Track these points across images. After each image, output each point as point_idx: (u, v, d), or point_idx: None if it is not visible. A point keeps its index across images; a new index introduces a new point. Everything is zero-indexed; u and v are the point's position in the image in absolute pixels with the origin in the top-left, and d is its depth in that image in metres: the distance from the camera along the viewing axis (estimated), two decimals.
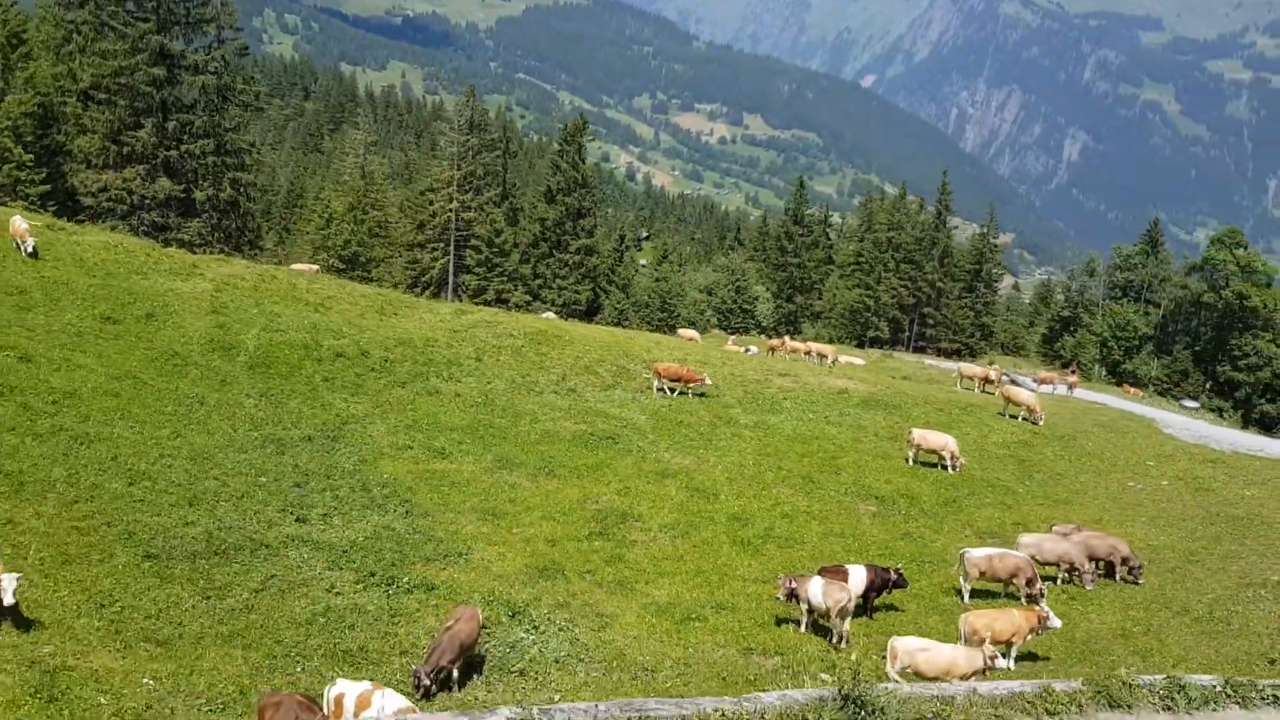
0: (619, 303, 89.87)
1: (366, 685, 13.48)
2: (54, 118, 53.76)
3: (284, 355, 33.21)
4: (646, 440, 32.33)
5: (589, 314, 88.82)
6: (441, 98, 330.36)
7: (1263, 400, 74.26)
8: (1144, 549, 26.07)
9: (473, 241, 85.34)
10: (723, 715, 11.38)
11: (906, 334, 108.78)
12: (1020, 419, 40.21)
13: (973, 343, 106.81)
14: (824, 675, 15.81)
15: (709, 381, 38.36)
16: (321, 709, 13.08)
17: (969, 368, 53.08)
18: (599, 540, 23.97)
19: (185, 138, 54.74)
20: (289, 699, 12.81)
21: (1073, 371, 61.87)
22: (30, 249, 33.76)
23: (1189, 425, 44.77)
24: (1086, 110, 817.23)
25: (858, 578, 20.57)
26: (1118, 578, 23.69)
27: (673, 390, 37.96)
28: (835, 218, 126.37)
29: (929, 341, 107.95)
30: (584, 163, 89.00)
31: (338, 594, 19.46)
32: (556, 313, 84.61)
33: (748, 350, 66.78)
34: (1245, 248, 77.52)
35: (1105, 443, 38.81)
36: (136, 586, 17.94)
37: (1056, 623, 19.10)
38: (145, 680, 14.91)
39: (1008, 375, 54.84)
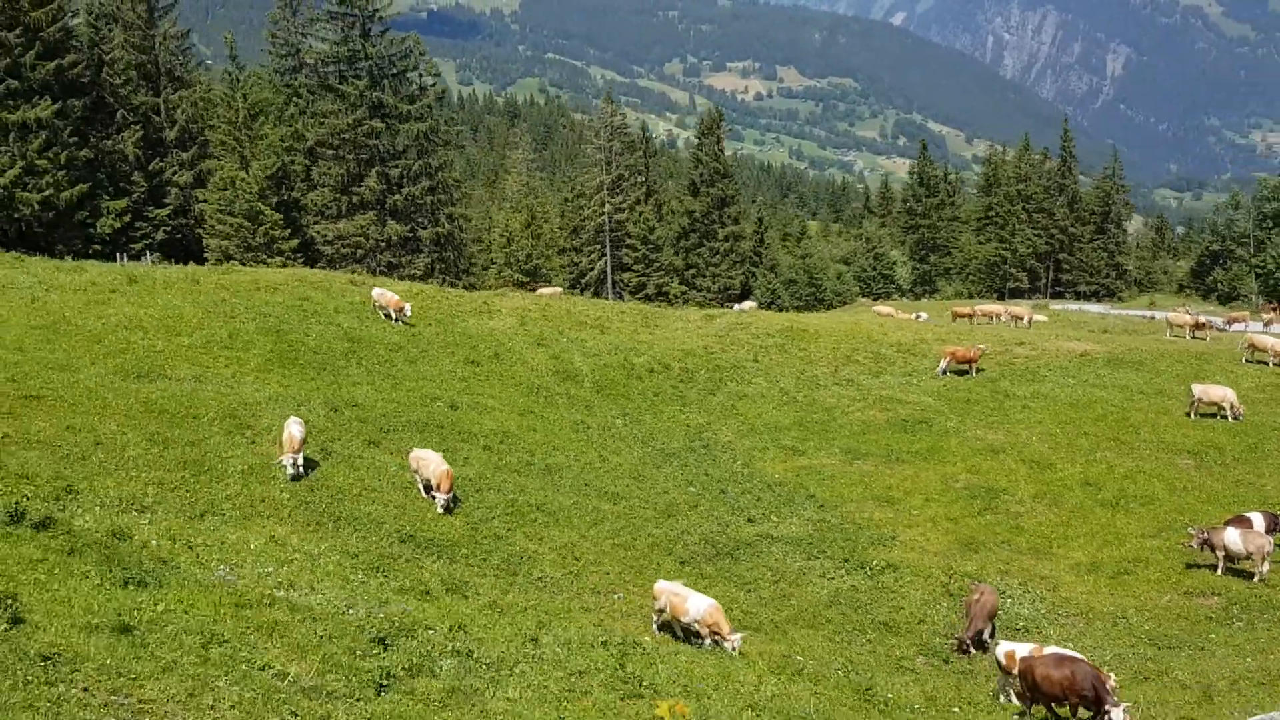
0: (770, 283, 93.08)
1: (1034, 646, 17.09)
2: (285, 175, 58.53)
3: (611, 376, 37.30)
4: (951, 421, 35.68)
5: (742, 296, 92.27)
6: (475, 88, 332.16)
7: None
8: None
9: (628, 241, 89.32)
10: None
11: (1044, 281, 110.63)
12: (1270, 365, 42.39)
13: (1109, 283, 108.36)
14: None
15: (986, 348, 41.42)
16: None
17: (1177, 316, 55.33)
18: (989, 515, 27.52)
19: (404, 182, 59.22)
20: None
21: (1276, 308, 63.67)
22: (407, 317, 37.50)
23: None
24: (1126, 23, 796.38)
25: (1259, 523, 23.80)
26: None
27: (961, 372, 40.89)
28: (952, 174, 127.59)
29: (1066, 286, 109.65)
30: (723, 154, 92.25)
31: (831, 579, 23.30)
32: (713, 298, 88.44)
33: (918, 317, 69.64)
34: None
35: None
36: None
37: None
38: (797, 657, 18.76)
39: (1214, 320, 56.93)
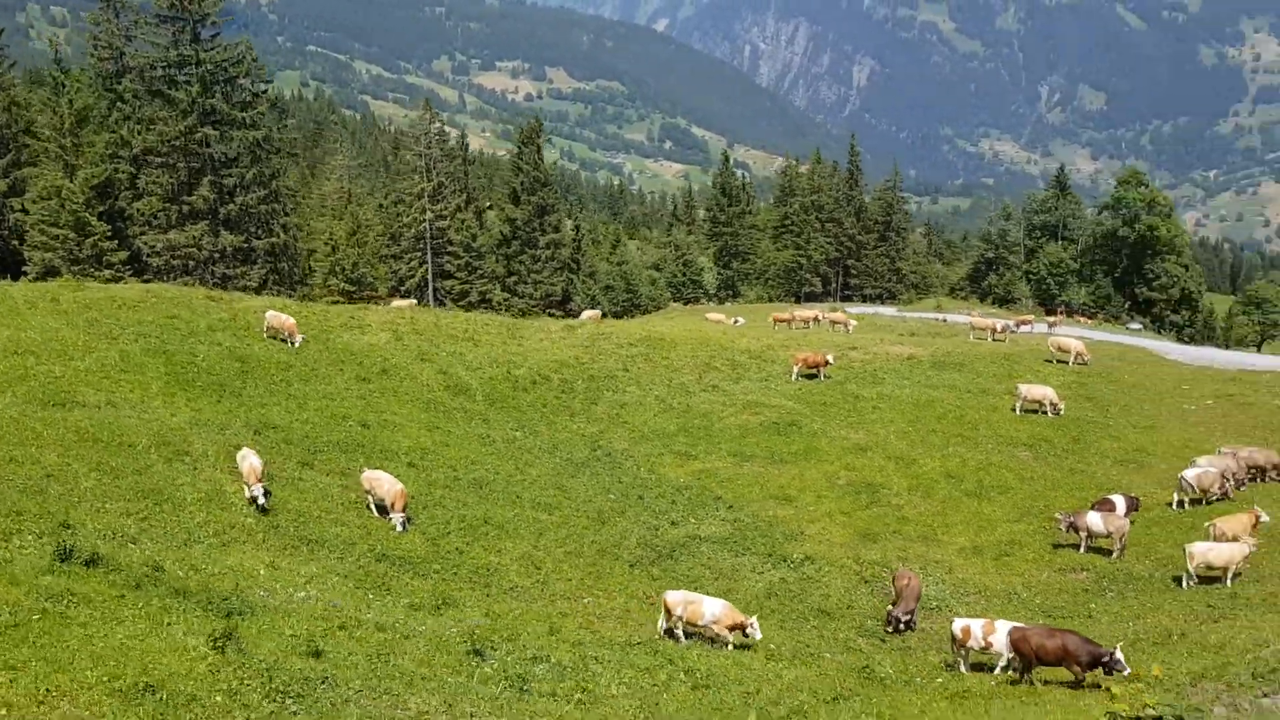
0: (589, 289, 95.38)
1: (985, 620, 19.70)
2: (110, 184, 55.82)
3: (500, 389, 38.43)
4: (817, 423, 38.81)
5: (563, 303, 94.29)
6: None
7: (1171, 313, 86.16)
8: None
9: (449, 248, 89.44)
10: None
11: (834, 285, 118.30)
12: (1071, 364, 47.98)
13: (890, 286, 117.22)
14: None
15: (833, 361, 44.96)
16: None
17: (980, 320, 61.31)
18: (875, 508, 30.60)
19: (238, 191, 57.67)
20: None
21: (1060, 313, 71.28)
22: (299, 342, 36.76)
23: (1183, 351, 54.15)
24: (870, 36, 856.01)
25: (1121, 505, 27.83)
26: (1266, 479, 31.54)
27: (810, 376, 44.13)
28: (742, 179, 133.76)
29: (854, 290, 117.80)
30: (543, 162, 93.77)
31: (761, 573, 25.60)
32: (535, 305, 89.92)
33: (736, 321, 73.82)
34: (1147, 185, 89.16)
35: (1135, 374, 47.35)
36: (649, 589, 23.68)
37: (1267, 518, 26.79)
38: (770, 645, 20.80)
39: (1008, 324, 63.28)
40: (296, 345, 36.27)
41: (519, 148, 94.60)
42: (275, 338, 36.56)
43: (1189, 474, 29.51)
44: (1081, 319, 76.08)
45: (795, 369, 44.40)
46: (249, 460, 22.78)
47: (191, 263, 56.55)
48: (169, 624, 12.79)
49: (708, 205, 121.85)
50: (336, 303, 62.59)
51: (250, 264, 58.80)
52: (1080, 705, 15.11)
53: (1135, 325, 75.22)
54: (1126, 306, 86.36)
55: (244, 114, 57.77)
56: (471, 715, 10.72)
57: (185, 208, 56.59)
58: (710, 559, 26.10)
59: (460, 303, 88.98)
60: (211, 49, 56.63)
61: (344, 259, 73.83)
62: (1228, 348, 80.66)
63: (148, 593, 14.33)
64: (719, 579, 24.97)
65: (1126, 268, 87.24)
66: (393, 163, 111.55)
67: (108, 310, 36.36)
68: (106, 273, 51.71)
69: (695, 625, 19.87)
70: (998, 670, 18.90)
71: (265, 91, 60.68)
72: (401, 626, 14.97)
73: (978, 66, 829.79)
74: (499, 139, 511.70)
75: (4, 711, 9.08)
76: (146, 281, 54.94)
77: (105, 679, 10.06)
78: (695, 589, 24.09)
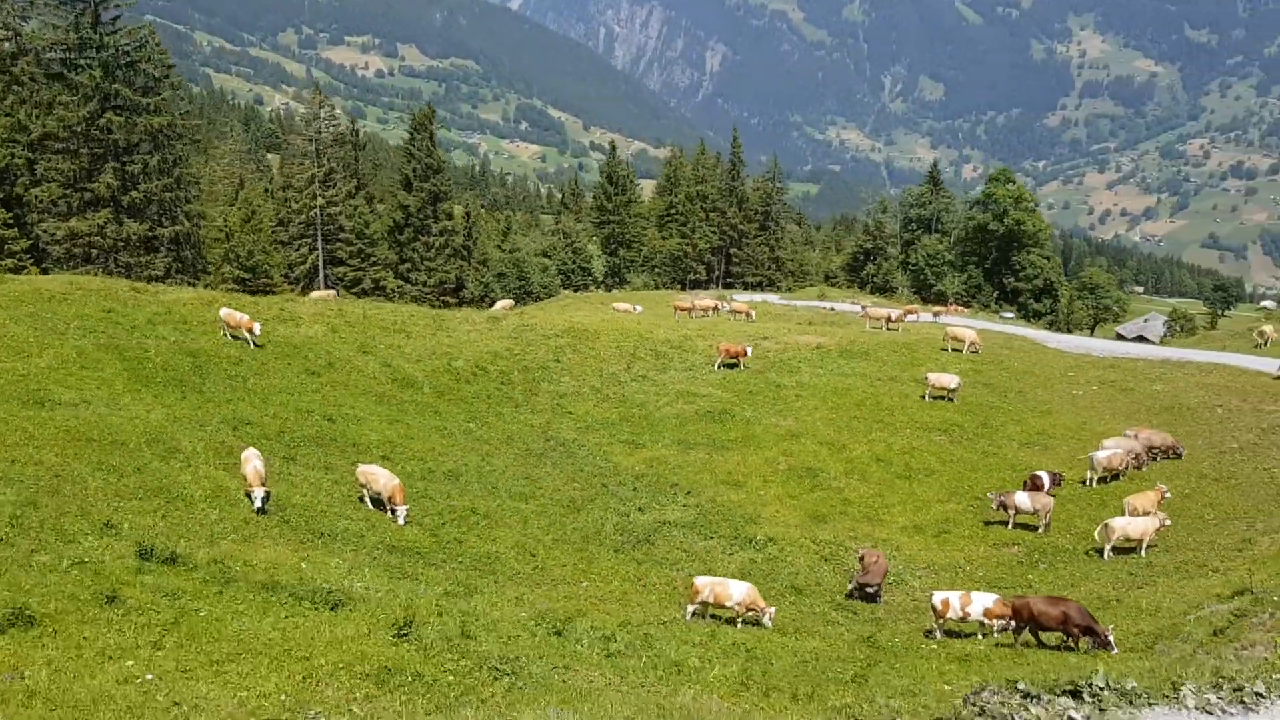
0: (483, 277, 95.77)
1: (961, 593, 21.95)
2: (6, 170, 53.76)
3: (444, 381, 39.29)
4: (748, 411, 40.97)
5: (456, 290, 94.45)
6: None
7: (1034, 302, 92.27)
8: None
9: (342, 235, 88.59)
10: None
11: (717, 273, 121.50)
12: (965, 352, 51.48)
13: (770, 274, 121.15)
14: None
15: (750, 353, 47.17)
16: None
17: (874, 310, 64.66)
18: (819, 491, 32.91)
19: (142, 178, 56.28)
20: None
21: (958, 305, 75.42)
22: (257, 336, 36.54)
23: (1061, 340, 58.48)
24: (723, 22, 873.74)
25: (1047, 481, 30.79)
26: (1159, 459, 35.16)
27: (731, 366, 46.24)
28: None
29: (735, 278, 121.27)
30: (435, 149, 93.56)
31: (731, 555, 27.52)
32: (429, 292, 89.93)
33: (635, 309, 75.74)
34: (1014, 183, 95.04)
35: (1023, 361, 51.14)
36: (635, 572, 25.28)
37: (1170, 494, 30.15)
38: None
39: (900, 313, 66.92)
40: (256, 338, 36.22)
41: (411, 134, 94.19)
42: (236, 336, 36.35)
43: (1099, 455, 32.77)
44: (959, 308, 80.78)
45: (718, 359, 46.46)
46: (253, 463, 23.31)
47: (94, 251, 54.97)
48: (296, 615, 13.75)
49: (594, 193, 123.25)
50: (232, 290, 61.79)
51: (154, 252, 57.44)
52: (1070, 661, 17.46)
53: (1008, 314, 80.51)
54: (995, 296, 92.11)
55: (147, 99, 56.28)
56: (642, 686, 12.12)
57: (87, 195, 54.91)
58: (683, 542, 27.87)
59: (353, 290, 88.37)
60: (114, 32, 55.00)
61: (239, 246, 72.48)
62: (1069, 332, 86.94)
63: (239, 587, 15.18)
64: (694, 561, 26.76)
65: (996, 259, 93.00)
66: (243, 138, 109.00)
67: (41, 304, 35.63)
68: (9, 261, 49.94)
69: (723, 606, 21.56)
70: (995, 635, 21.26)
71: (168, 76, 59.14)
72: (478, 613, 16.19)
73: (825, 56, 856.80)
74: (348, 115, 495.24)
75: (283, 697, 10.04)
76: (45, 271, 53.41)
77: (342, 665, 11.05)
78: (676, 571, 25.91)
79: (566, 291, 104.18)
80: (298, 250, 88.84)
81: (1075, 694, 9.15)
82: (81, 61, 54.55)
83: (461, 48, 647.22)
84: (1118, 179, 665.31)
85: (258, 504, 22.88)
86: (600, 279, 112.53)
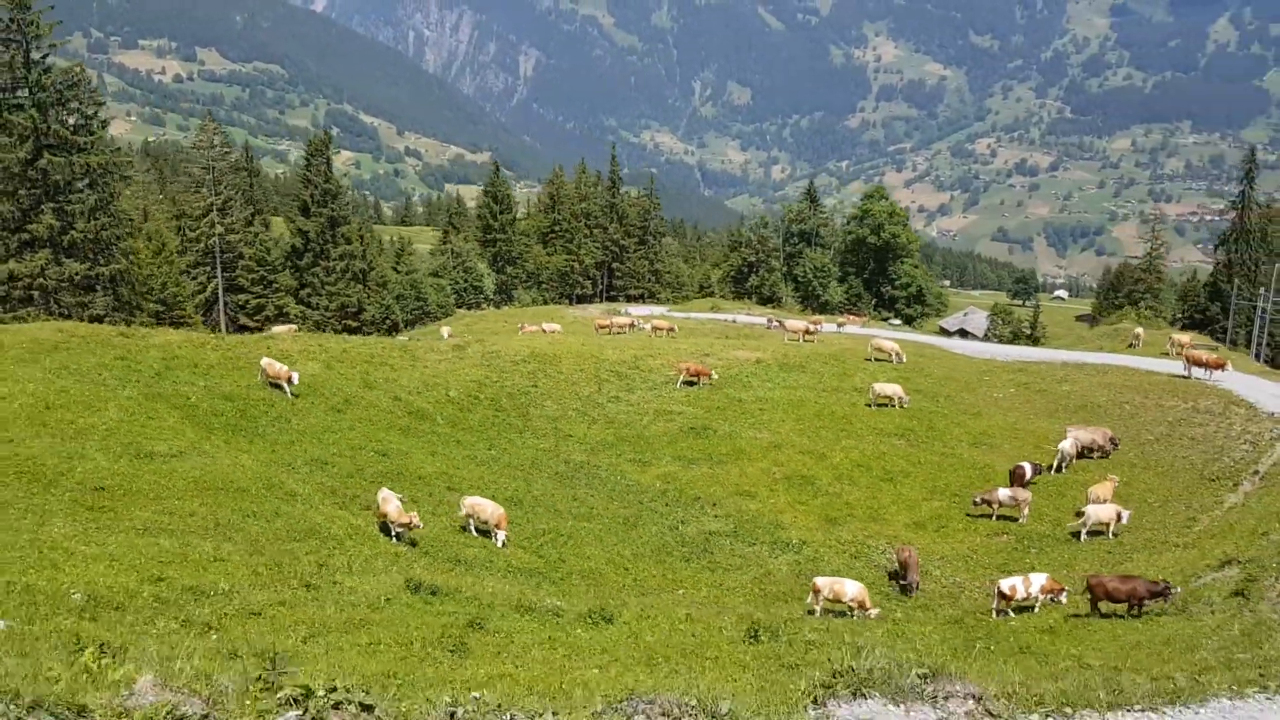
0: (383, 299, 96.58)
1: (1022, 577, 26.14)
2: None
3: (450, 412, 41.65)
4: (725, 426, 44.72)
5: (357, 314, 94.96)
6: None
7: (907, 308, 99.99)
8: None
9: (242, 263, 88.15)
10: None
11: (602, 287, 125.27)
12: (890, 361, 56.60)
13: (650, 287, 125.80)
14: None
15: (715, 376, 50.87)
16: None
17: (794, 323, 69.52)
18: (821, 497, 36.97)
19: (78, 218, 55.85)
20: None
21: (852, 314, 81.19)
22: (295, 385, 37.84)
23: (965, 346, 64.65)
24: (535, 27, 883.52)
25: (1031, 472, 35.77)
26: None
27: (691, 384, 49.85)
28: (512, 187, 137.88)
29: (618, 291, 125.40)
30: (333, 174, 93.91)
31: (777, 558, 31.21)
32: (331, 316, 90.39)
33: (554, 329, 78.61)
34: (887, 198, 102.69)
35: (940, 368, 56.74)
36: (707, 579, 28.68)
37: (1119, 483, 35.59)
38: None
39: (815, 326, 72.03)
40: (294, 388, 37.50)
41: (308, 159, 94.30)
42: (275, 385, 37.54)
43: (1065, 445, 38.15)
44: (854, 316, 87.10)
45: (681, 377, 50.04)
46: (392, 502, 25.65)
47: (35, 293, 54.26)
48: (572, 629, 16.69)
49: (478, 212, 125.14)
50: (147, 324, 61.62)
51: (92, 291, 57.00)
52: (1134, 625, 21.94)
53: (896, 321, 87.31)
54: (874, 303, 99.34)
55: (81, 139, 55.88)
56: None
57: (23, 236, 54.17)
58: (734, 550, 31.43)
59: (256, 318, 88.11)
60: (46, 70, 54.45)
61: (153, 279, 71.73)
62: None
63: (505, 609, 17.94)
64: (751, 566, 30.37)
65: (874, 270, 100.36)
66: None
67: (56, 354, 36.28)
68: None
69: (839, 602, 25.19)
70: (1051, 605, 25.66)
71: (96, 114, 58.53)
72: (671, 623, 19.37)
73: (636, 61, 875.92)
74: (146, 124, 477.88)
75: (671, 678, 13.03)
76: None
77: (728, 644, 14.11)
78: (729, 576, 29.44)
79: (461, 310, 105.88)
80: (195, 279, 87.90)
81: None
82: (15, 101, 53.79)
83: (265, 51, 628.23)
84: (914, 177, 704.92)
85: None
86: (490, 296, 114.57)
